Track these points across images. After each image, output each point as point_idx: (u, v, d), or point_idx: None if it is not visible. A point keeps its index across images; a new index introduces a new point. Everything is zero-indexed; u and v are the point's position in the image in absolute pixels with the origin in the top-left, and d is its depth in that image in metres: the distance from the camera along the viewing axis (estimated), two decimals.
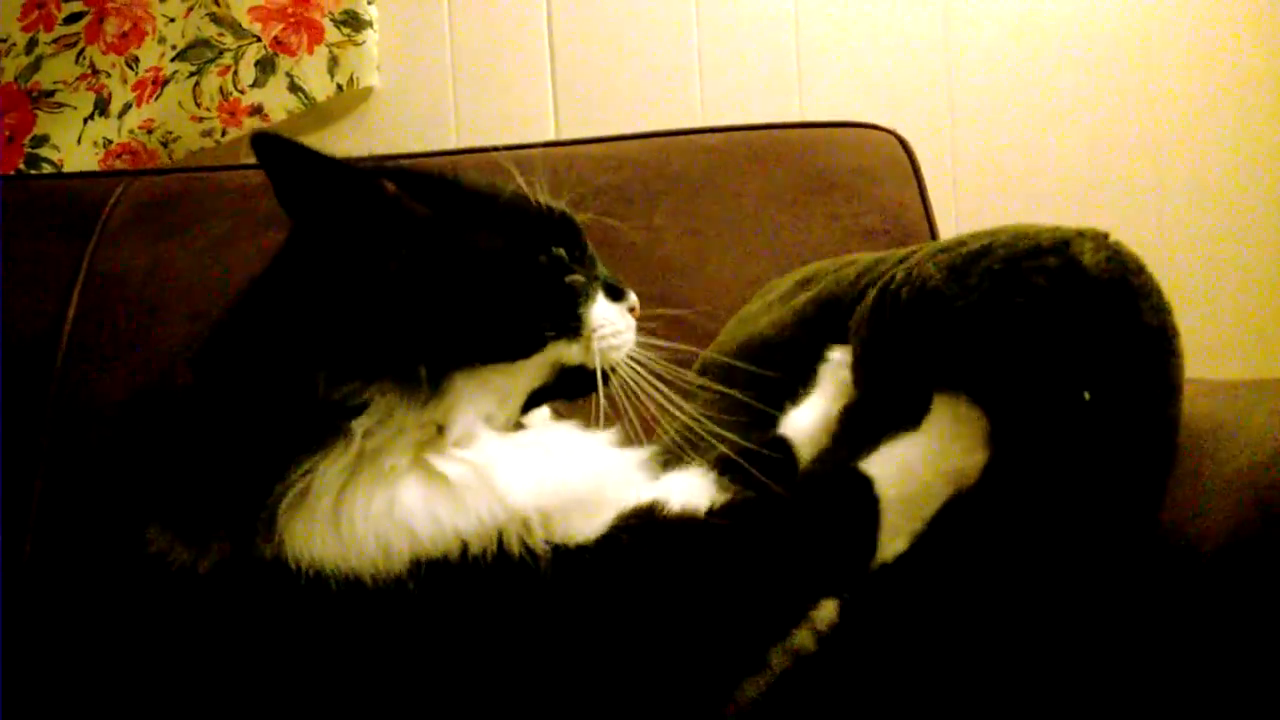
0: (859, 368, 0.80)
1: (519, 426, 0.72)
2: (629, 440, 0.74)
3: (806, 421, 0.85)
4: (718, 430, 0.73)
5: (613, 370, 0.72)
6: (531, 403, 0.72)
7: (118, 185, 1.44)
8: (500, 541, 0.60)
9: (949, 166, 1.72)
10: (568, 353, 0.70)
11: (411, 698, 0.57)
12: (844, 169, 1.37)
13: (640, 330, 0.76)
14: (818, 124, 1.48)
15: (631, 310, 0.76)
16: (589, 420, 0.74)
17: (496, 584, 0.59)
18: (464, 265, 0.67)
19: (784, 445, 0.84)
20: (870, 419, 0.76)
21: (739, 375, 0.95)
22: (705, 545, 0.66)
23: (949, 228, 1.42)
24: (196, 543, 0.60)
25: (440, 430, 0.64)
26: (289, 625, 0.58)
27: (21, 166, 1.81)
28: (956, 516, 0.69)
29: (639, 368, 0.73)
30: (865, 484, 0.69)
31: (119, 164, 1.80)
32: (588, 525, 0.64)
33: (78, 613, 0.65)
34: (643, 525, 0.65)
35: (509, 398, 0.69)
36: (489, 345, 0.66)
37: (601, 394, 0.72)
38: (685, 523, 0.66)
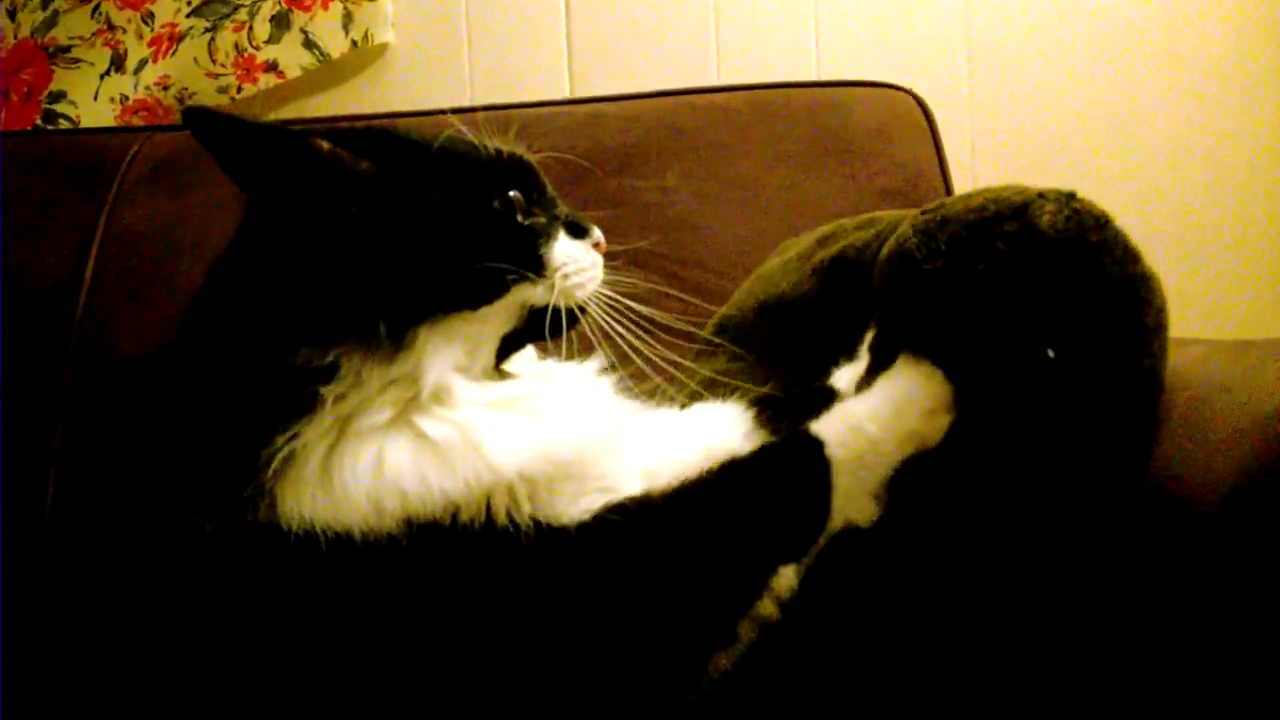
0: (875, 331, 0.80)
1: (502, 374, 0.73)
2: (613, 370, 0.74)
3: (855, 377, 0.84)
4: (683, 363, 0.73)
5: (581, 310, 0.72)
6: (507, 348, 0.72)
7: (134, 141, 1.44)
8: (489, 512, 0.61)
9: (967, 126, 1.70)
10: (532, 294, 0.70)
11: (397, 647, 0.59)
12: (860, 129, 1.36)
13: (607, 268, 0.75)
14: (834, 83, 1.47)
15: (596, 246, 0.75)
16: (569, 354, 0.74)
17: (482, 551, 0.60)
18: (414, 217, 0.66)
19: (831, 396, 0.83)
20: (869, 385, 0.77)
21: (757, 334, 0.95)
22: (667, 526, 0.66)
23: (966, 188, 1.41)
24: (198, 508, 0.61)
25: (417, 386, 0.64)
26: (282, 583, 0.59)
27: (39, 122, 1.82)
28: (924, 479, 0.69)
29: (610, 303, 0.73)
30: (815, 446, 0.69)
31: (136, 120, 1.80)
32: (572, 507, 0.64)
33: (95, 569, 0.67)
34: (621, 526, 0.65)
35: (479, 346, 0.69)
36: (449, 295, 0.66)
37: (579, 332, 0.72)
38: (651, 506, 0.66)
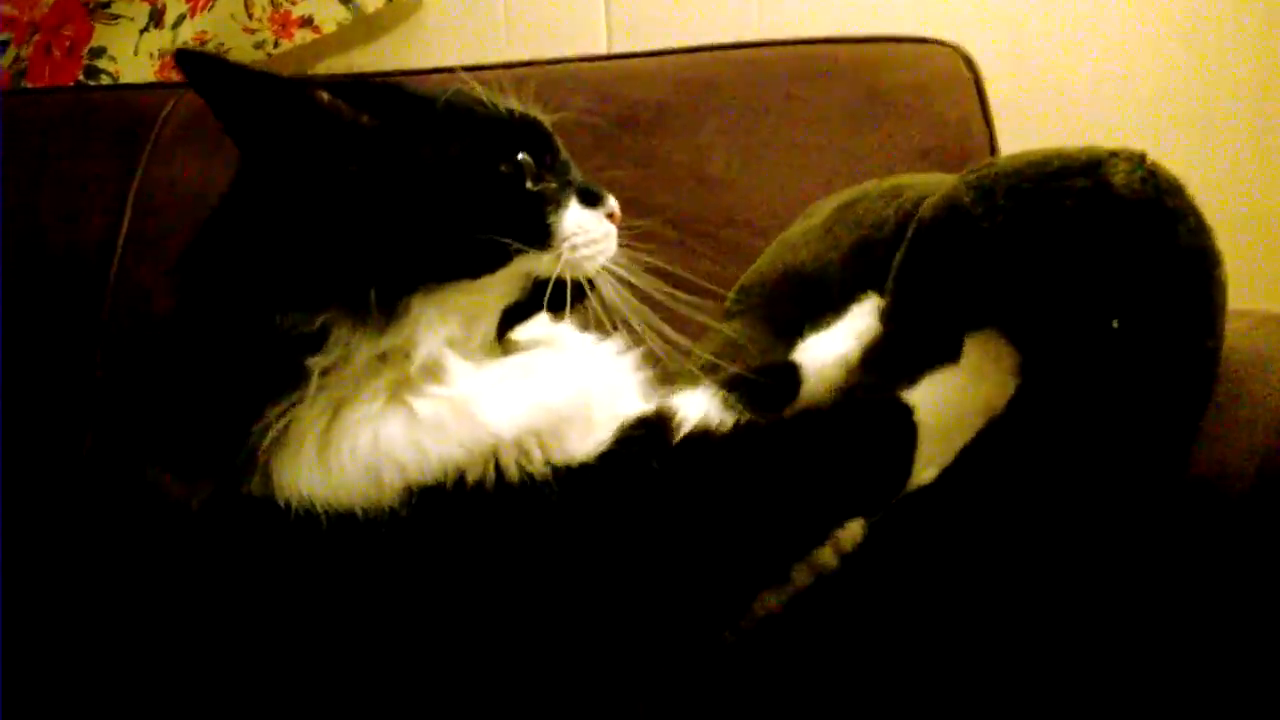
0: (894, 300, 0.78)
1: (506, 345, 0.70)
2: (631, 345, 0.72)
3: (823, 352, 0.84)
4: (674, 339, 0.71)
5: (589, 284, 0.69)
6: (510, 320, 0.69)
7: (170, 98, 1.44)
8: (498, 469, 0.59)
9: (1015, 84, 1.63)
10: (537, 265, 0.66)
11: (411, 623, 0.58)
12: (903, 86, 1.31)
13: (624, 240, 0.72)
14: (877, 38, 1.41)
15: (610, 216, 0.71)
16: (587, 322, 0.72)
17: (497, 508, 0.59)
18: (415, 177, 0.63)
19: (791, 371, 0.83)
20: (902, 352, 0.75)
21: (780, 304, 0.94)
22: (723, 460, 0.65)
23: (1012, 149, 1.36)
24: (185, 480, 0.60)
25: (410, 360, 0.62)
26: (283, 560, 0.58)
27: (81, 78, 1.83)
28: (984, 445, 0.69)
29: (620, 276, 0.69)
30: (906, 412, 0.69)
31: (174, 76, 1.80)
32: (585, 442, 0.62)
33: (104, 539, 0.66)
34: (647, 438, 0.64)
35: (478, 318, 0.66)
36: (446, 262, 0.62)
37: (587, 305, 0.70)
38: (700, 438, 0.65)
